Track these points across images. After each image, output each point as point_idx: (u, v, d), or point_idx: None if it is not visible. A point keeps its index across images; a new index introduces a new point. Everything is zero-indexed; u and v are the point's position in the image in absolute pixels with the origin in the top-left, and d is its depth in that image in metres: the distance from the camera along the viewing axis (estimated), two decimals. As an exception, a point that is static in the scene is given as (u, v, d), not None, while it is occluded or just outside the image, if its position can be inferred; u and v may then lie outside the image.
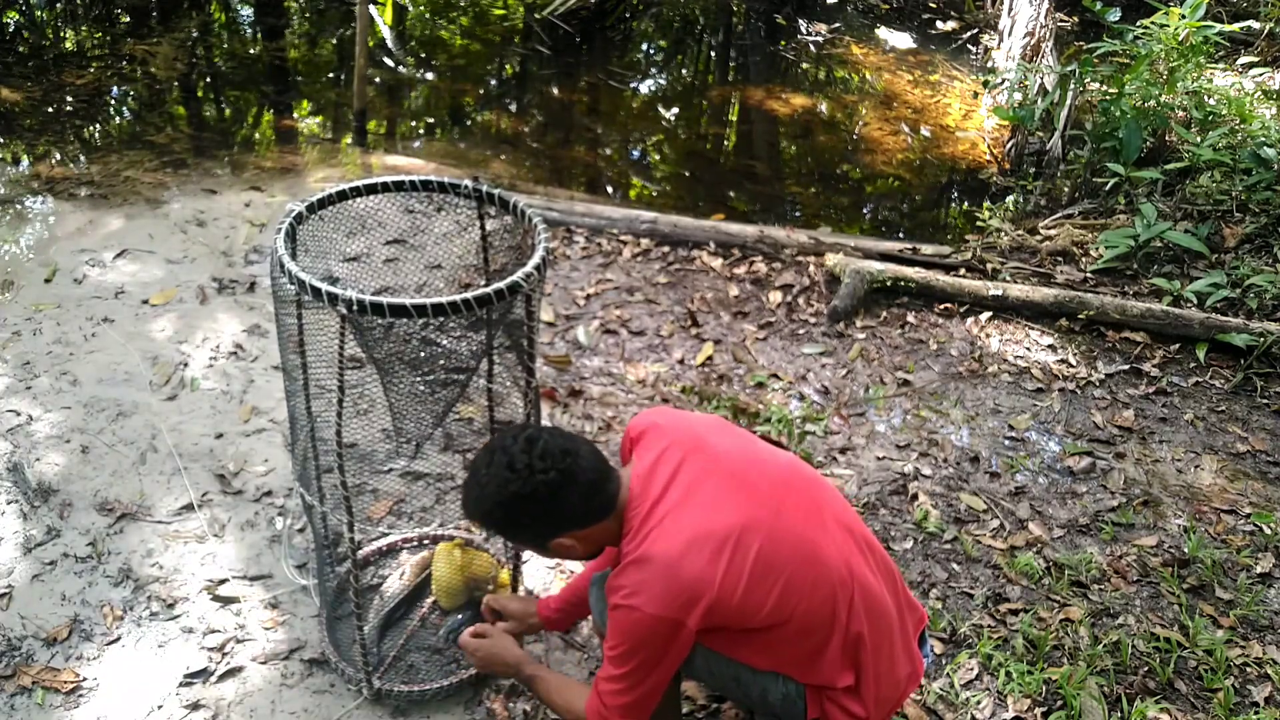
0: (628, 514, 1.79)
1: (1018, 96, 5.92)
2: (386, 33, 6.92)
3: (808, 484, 1.89)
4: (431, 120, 6.09)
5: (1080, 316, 4.05)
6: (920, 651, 2.00)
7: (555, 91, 6.53)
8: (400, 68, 6.55)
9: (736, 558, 1.72)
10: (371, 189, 2.16)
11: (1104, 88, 5.38)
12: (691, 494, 1.78)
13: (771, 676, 1.88)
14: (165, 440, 3.08)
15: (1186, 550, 2.98)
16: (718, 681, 1.95)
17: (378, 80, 6.21)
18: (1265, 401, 3.72)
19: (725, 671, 1.90)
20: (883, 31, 7.87)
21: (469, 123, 6.09)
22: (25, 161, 4.82)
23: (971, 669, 2.53)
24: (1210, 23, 5.13)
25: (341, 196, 2.15)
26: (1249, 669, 2.61)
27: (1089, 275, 4.46)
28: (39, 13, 6.57)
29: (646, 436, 1.89)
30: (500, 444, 1.78)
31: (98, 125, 5.26)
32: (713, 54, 7.90)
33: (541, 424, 2.04)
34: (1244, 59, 6.37)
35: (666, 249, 4.46)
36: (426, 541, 2.73)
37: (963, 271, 4.41)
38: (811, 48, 7.54)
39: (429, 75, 6.66)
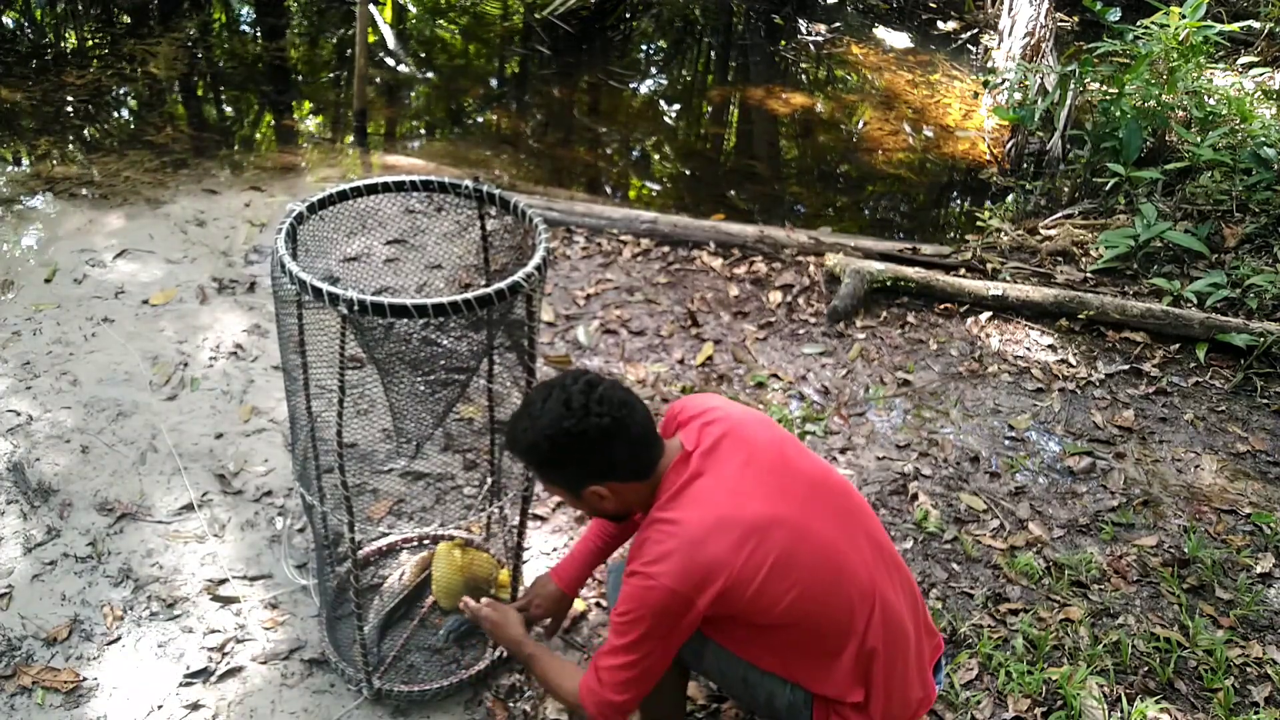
0: (664, 483, 1.81)
1: (1018, 96, 5.93)
2: (387, 32, 6.93)
3: (841, 493, 1.89)
4: (431, 120, 6.09)
5: (1080, 316, 4.05)
6: (935, 680, 1.99)
7: (555, 91, 6.53)
8: (401, 65, 6.55)
9: (760, 549, 1.72)
10: (371, 189, 2.16)
11: (1104, 88, 5.38)
12: (728, 478, 1.78)
13: (779, 681, 1.87)
14: (165, 440, 3.08)
15: (1186, 550, 2.98)
16: (726, 681, 1.95)
17: (378, 80, 6.21)
18: (1265, 401, 3.72)
19: (734, 671, 1.90)
20: (882, 31, 7.88)
21: (469, 123, 6.09)
22: (25, 161, 4.82)
23: (971, 669, 2.53)
24: (1210, 23, 5.13)
25: (342, 196, 2.15)
26: (1249, 669, 2.61)
27: (1089, 275, 4.46)
28: (39, 13, 6.56)
29: (695, 418, 1.90)
30: (560, 382, 1.80)
31: (98, 125, 5.26)
32: (713, 54, 7.90)
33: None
34: (1244, 59, 6.38)
35: (666, 249, 4.46)
36: (426, 541, 2.73)
37: (963, 271, 4.41)
38: (811, 48, 7.54)
39: (429, 75, 6.66)
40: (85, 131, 5.16)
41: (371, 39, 6.76)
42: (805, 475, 1.85)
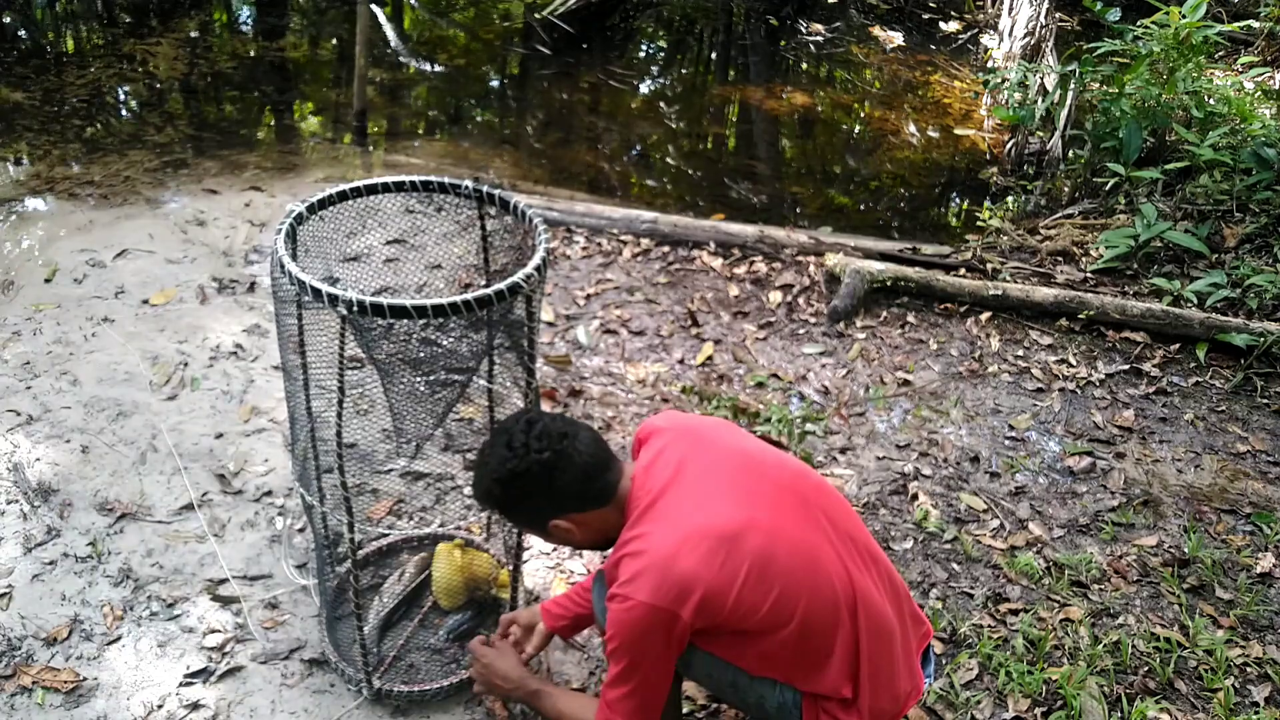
0: (628, 506, 1.81)
1: (1018, 96, 5.93)
2: (389, 29, 6.92)
3: (813, 492, 1.89)
4: (431, 120, 6.09)
5: (1080, 316, 4.05)
6: (923, 671, 1.98)
7: (555, 91, 6.53)
8: (401, 60, 6.55)
9: (732, 558, 1.72)
10: (371, 189, 2.16)
11: (1104, 88, 5.38)
12: (692, 492, 1.79)
13: (769, 684, 1.87)
14: (165, 440, 3.08)
15: (1186, 550, 2.98)
16: (716, 685, 1.95)
17: (378, 80, 6.21)
18: (1265, 401, 3.72)
19: (724, 676, 1.90)
20: (882, 32, 7.88)
21: (469, 123, 6.09)
22: (25, 161, 4.82)
23: (971, 669, 2.53)
24: (1210, 23, 5.13)
25: (341, 196, 2.15)
26: (1249, 669, 2.61)
27: (1089, 275, 4.46)
28: (39, 13, 6.57)
29: (653, 437, 1.92)
30: (504, 425, 1.85)
31: (98, 125, 5.26)
32: (713, 54, 7.90)
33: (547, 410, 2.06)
34: (1244, 59, 6.38)
35: (666, 249, 4.46)
36: (426, 541, 2.73)
37: (963, 271, 4.40)
38: (811, 48, 7.54)
39: (429, 75, 6.66)
40: (85, 131, 5.16)
41: (391, 33, 6.76)
42: (772, 477, 1.85)
